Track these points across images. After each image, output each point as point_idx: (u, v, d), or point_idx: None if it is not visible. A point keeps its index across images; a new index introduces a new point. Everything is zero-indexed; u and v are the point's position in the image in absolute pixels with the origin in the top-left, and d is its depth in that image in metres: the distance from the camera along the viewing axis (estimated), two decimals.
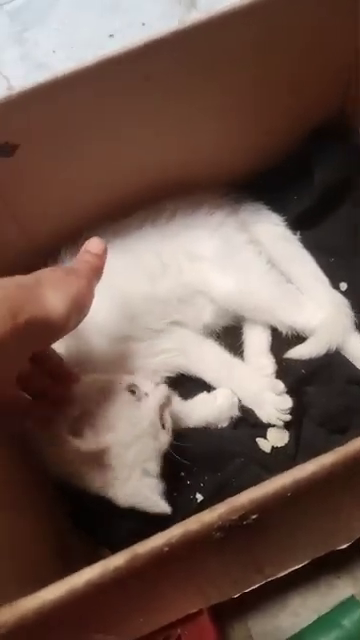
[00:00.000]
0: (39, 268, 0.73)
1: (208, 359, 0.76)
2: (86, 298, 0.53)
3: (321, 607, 0.70)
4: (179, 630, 0.57)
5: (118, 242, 0.75)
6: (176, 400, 0.76)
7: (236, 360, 0.76)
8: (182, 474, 0.72)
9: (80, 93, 0.60)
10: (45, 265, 0.75)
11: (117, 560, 0.38)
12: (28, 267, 0.73)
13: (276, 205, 0.82)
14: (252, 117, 0.75)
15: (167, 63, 0.61)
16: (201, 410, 0.73)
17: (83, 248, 0.58)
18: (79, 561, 0.66)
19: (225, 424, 0.74)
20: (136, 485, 0.60)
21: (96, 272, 0.57)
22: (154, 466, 0.61)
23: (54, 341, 0.53)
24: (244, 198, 0.82)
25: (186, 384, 0.77)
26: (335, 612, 0.68)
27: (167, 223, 0.77)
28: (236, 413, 0.73)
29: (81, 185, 0.71)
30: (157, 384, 0.65)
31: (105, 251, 0.58)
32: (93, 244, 0.58)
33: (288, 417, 0.71)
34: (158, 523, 0.66)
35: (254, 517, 0.39)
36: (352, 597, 0.69)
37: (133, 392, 0.64)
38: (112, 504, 0.62)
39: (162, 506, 0.59)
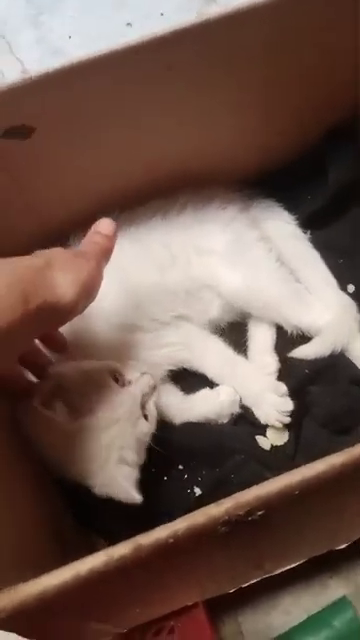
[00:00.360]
0: None
1: (211, 355, 0.76)
2: (95, 282, 0.52)
3: (313, 606, 0.70)
4: (173, 622, 0.57)
5: (129, 231, 0.75)
6: (177, 394, 0.76)
7: (239, 358, 0.76)
8: (180, 467, 0.73)
9: (99, 80, 0.59)
10: None
11: (122, 549, 0.37)
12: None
13: (288, 204, 0.82)
14: (266, 115, 0.74)
15: (189, 54, 0.60)
16: (202, 405, 0.73)
17: (93, 228, 0.57)
18: (76, 547, 0.66)
19: (225, 420, 0.73)
20: (111, 472, 0.58)
21: (105, 254, 0.55)
22: (132, 455, 0.60)
23: (61, 325, 0.53)
24: (257, 195, 0.82)
25: (188, 379, 0.77)
26: (326, 612, 0.69)
27: (178, 215, 0.77)
28: (237, 410, 0.73)
29: (95, 172, 0.70)
30: (143, 374, 0.64)
31: (115, 232, 0.57)
32: (103, 225, 0.57)
33: (287, 419, 0.71)
34: (152, 515, 0.68)
35: (260, 513, 0.39)
36: (344, 598, 0.69)
37: (117, 379, 0.63)
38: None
39: (134, 496, 0.57)
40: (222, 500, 0.38)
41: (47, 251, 0.51)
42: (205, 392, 0.74)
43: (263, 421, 0.71)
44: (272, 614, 0.71)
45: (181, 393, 0.75)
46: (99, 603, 0.45)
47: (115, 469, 0.58)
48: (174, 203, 0.77)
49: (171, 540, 0.38)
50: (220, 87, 0.66)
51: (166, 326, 0.75)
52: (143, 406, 0.62)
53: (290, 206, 0.82)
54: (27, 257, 0.49)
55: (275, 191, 0.82)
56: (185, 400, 0.74)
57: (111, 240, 0.56)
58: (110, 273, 0.72)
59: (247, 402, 0.73)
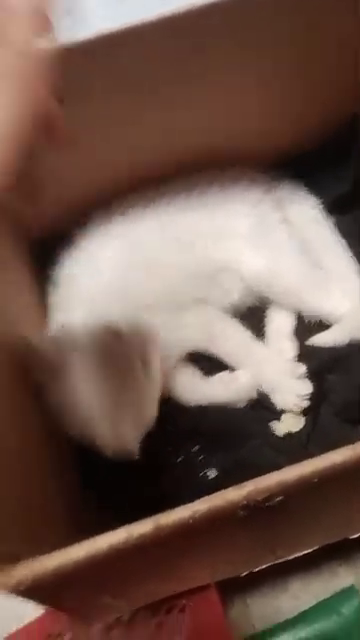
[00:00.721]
0: (70, 230, 0.74)
1: (229, 338, 0.76)
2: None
3: (322, 593, 0.71)
4: (184, 601, 0.57)
5: (150, 209, 0.74)
6: (195, 375, 0.75)
7: (258, 342, 0.75)
8: (195, 449, 0.73)
9: (126, 53, 0.58)
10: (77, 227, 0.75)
11: (142, 528, 0.38)
12: (61, 226, 0.73)
13: (313, 188, 0.81)
14: (296, 94, 0.73)
15: (220, 28, 0.58)
16: (220, 388, 0.73)
17: None
18: (89, 522, 0.67)
19: (242, 405, 0.73)
20: (110, 429, 0.59)
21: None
22: (132, 412, 0.60)
23: None
24: (282, 177, 0.81)
25: (206, 362, 0.76)
26: (334, 599, 0.69)
27: (202, 195, 0.75)
28: (254, 395, 0.73)
29: (117, 148, 0.69)
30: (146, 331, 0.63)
31: None
32: None
33: (306, 403, 0.71)
34: (165, 494, 0.69)
35: (279, 499, 0.39)
36: (352, 586, 0.69)
37: (118, 337, 0.62)
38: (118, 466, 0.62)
39: (131, 451, 0.58)
40: (243, 484, 0.38)
41: None
42: (223, 375, 0.73)
43: (280, 406, 0.71)
44: (281, 598, 0.72)
45: (199, 374, 0.75)
46: (115, 579, 0.45)
47: (114, 426, 0.59)
48: (197, 182, 0.76)
49: (191, 521, 0.38)
50: (251, 63, 0.64)
51: (184, 308, 0.74)
52: (145, 363, 0.62)
53: (315, 190, 0.81)
54: None
55: (301, 174, 0.81)
56: (203, 382, 0.74)
57: None
58: (129, 251, 0.73)
59: (264, 387, 0.72)
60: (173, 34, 0.57)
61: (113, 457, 0.59)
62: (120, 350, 0.61)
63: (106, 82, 0.61)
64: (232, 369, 0.74)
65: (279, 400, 0.72)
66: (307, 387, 0.71)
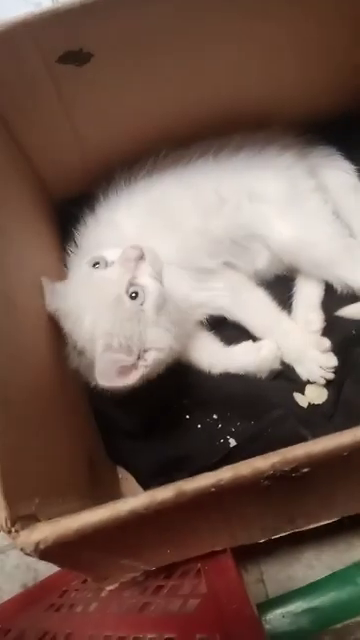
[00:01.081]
0: (94, 189, 0.72)
1: (255, 307, 0.74)
2: None
3: (336, 563, 0.71)
4: (200, 565, 0.57)
5: (177, 171, 0.72)
6: (217, 343, 0.74)
7: (284, 313, 0.73)
8: (214, 416, 0.72)
9: (159, 6, 0.55)
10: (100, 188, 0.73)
11: (164, 493, 0.37)
12: (84, 188, 0.71)
13: (350, 153, 0.77)
14: (333, 53, 0.69)
15: None
16: (243, 358, 0.72)
17: None
18: (108, 481, 0.68)
19: (264, 375, 0.72)
20: (99, 360, 0.57)
21: None
22: (120, 340, 0.58)
23: None
24: (317, 141, 0.77)
25: (229, 331, 0.75)
26: (350, 569, 0.69)
27: (231, 157, 0.73)
28: (277, 366, 0.72)
29: (148, 106, 0.67)
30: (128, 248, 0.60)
31: None
32: None
33: (331, 375, 0.70)
34: (182, 459, 0.69)
35: (305, 470, 0.38)
36: None
37: (97, 264, 0.61)
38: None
39: (116, 383, 0.56)
40: (269, 454, 0.38)
41: None
42: (247, 344, 0.72)
43: (305, 378, 0.70)
44: (295, 566, 0.72)
45: (221, 343, 0.74)
46: (134, 542, 0.45)
47: (101, 355, 0.57)
48: (227, 144, 0.73)
49: (213, 489, 0.37)
50: (286, 17, 0.61)
51: (211, 271, 0.72)
52: (133, 283, 0.59)
53: (352, 155, 0.77)
54: None
55: (337, 138, 0.77)
56: (225, 351, 0.73)
57: None
58: (152, 214, 0.70)
59: (289, 358, 0.71)
60: None
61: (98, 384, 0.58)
62: (95, 277, 0.60)
63: (136, 37, 0.58)
64: (255, 339, 0.73)
65: (303, 371, 0.70)
66: (332, 360, 0.70)
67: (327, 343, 0.70)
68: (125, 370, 0.58)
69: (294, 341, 0.71)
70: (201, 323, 0.74)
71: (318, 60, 0.69)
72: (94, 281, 0.60)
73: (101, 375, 0.56)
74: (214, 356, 0.73)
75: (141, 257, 0.60)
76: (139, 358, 0.59)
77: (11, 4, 1.05)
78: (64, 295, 0.62)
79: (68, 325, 0.61)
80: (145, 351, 0.59)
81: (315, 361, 0.70)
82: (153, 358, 0.59)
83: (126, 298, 0.59)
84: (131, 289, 0.59)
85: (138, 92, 0.65)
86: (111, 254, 0.61)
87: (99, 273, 0.61)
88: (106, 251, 0.62)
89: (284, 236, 0.71)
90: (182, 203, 0.71)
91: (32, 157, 0.70)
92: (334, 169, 0.77)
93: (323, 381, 0.70)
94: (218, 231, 0.71)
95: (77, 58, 0.56)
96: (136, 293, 0.59)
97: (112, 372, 0.56)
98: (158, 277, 0.61)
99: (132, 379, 0.58)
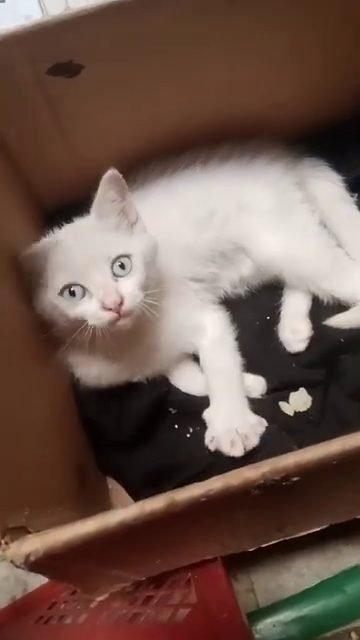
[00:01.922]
0: (88, 196, 0.72)
1: (216, 370, 0.72)
2: None
3: (325, 572, 0.71)
4: (189, 574, 0.57)
5: (165, 181, 0.73)
6: (195, 369, 0.74)
7: (240, 388, 0.70)
8: (197, 428, 0.72)
9: (150, 17, 0.56)
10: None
11: (154, 504, 0.37)
12: (77, 194, 0.71)
13: (338, 164, 0.78)
14: (327, 64, 0.70)
15: None
16: None
17: None
18: (97, 490, 0.67)
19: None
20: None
21: None
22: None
23: None
24: (305, 152, 0.78)
25: None
26: (339, 578, 0.69)
27: (220, 167, 0.73)
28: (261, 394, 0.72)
29: (139, 116, 0.68)
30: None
31: None
32: None
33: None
34: (172, 468, 0.69)
35: (295, 479, 0.39)
36: (357, 566, 0.70)
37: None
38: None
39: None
40: (259, 463, 0.38)
41: None
42: None
43: (215, 447, 0.65)
44: (284, 575, 0.72)
45: (199, 370, 0.74)
46: (124, 553, 0.45)
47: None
48: (216, 154, 0.74)
49: (203, 499, 0.37)
50: (282, 27, 0.62)
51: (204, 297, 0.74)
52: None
53: (339, 167, 0.78)
54: None
55: (325, 150, 0.78)
56: (200, 378, 0.73)
57: None
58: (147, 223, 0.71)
59: (214, 427, 0.67)
60: None
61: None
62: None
63: (121, 51, 0.59)
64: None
65: (223, 442, 0.64)
66: (255, 440, 0.64)
67: (264, 424, 0.67)
68: None
69: (229, 408, 0.68)
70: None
71: (313, 70, 0.70)
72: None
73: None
74: (191, 384, 0.73)
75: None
76: None
77: (1, 17, 1.06)
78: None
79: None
80: None
81: (237, 428, 0.65)
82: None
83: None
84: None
85: (129, 103, 0.65)
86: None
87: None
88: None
89: (270, 251, 0.72)
90: (171, 214, 0.72)
91: (23, 167, 0.70)
92: (322, 180, 0.78)
93: (229, 449, 0.64)
94: (208, 244, 0.72)
95: (67, 70, 0.56)
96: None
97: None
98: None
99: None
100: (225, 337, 0.73)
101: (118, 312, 0.58)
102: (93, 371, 0.67)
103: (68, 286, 0.59)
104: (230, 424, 0.65)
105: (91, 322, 0.58)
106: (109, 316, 0.58)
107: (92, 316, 0.58)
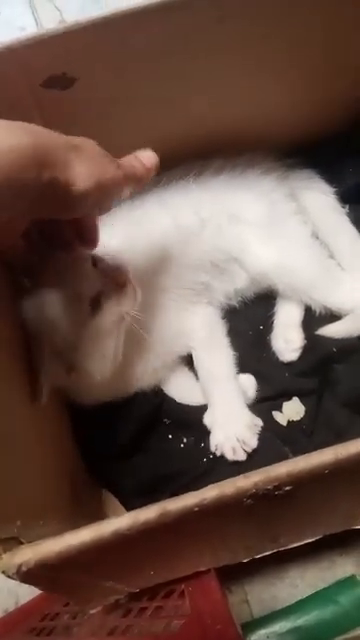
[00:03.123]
0: None
1: (209, 368, 0.73)
2: (114, 188, 0.48)
3: (319, 582, 0.71)
4: (183, 585, 0.57)
5: (157, 192, 0.73)
6: (189, 378, 0.75)
7: (235, 381, 0.72)
8: (197, 436, 0.72)
9: (142, 32, 0.56)
10: None
11: (148, 514, 0.37)
12: None
13: (329, 176, 0.79)
14: (316, 79, 0.71)
15: (240, 6, 0.57)
16: None
17: (134, 154, 0.54)
18: (89, 501, 0.67)
19: None
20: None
21: (137, 180, 0.52)
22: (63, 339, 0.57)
23: (62, 214, 0.48)
24: (297, 164, 0.79)
25: None
26: (333, 588, 0.69)
27: (212, 179, 0.74)
28: (249, 401, 0.72)
29: (133, 129, 0.67)
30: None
31: (156, 167, 0.54)
32: (146, 155, 0.54)
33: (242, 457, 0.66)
34: (165, 477, 0.69)
35: (287, 489, 0.39)
36: (353, 576, 0.70)
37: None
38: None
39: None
40: (251, 472, 0.38)
41: (81, 138, 0.48)
42: None
43: (214, 445, 0.68)
44: (278, 586, 0.72)
45: (194, 378, 0.74)
46: (118, 563, 0.45)
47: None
48: (209, 166, 0.74)
49: (197, 509, 0.38)
50: (271, 45, 0.62)
51: (197, 295, 0.74)
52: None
53: (330, 178, 0.79)
54: (56, 133, 0.45)
55: (316, 162, 0.79)
56: (196, 385, 0.73)
57: (148, 172, 0.53)
58: (133, 238, 0.71)
59: (211, 422, 0.69)
60: (189, 12, 0.55)
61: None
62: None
63: (115, 64, 0.59)
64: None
65: (219, 437, 0.68)
66: (253, 441, 0.67)
67: (259, 423, 0.69)
68: None
69: (228, 412, 0.69)
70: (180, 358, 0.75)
71: (307, 84, 0.71)
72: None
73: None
74: (185, 393, 0.74)
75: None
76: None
77: None
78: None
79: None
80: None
81: (235, 434, 0.67)
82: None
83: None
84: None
85: (122, 116, 0.66)
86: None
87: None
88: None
89: (263, 261, 0.72)
90: (163, 227, 0.72)
91: None
92: (313, 191, 0.78)
93: (232, 456, 0.67)
94: (199, 255, 0.72)
95: (60, 82, 0.57)
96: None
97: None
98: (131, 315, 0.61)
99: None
100: (214, 335, 0.74)
101: None
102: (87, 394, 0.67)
103: None
104: (228, 430, 0.67)
105: None
106: None
107: None
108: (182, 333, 0.73)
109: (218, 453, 0.67)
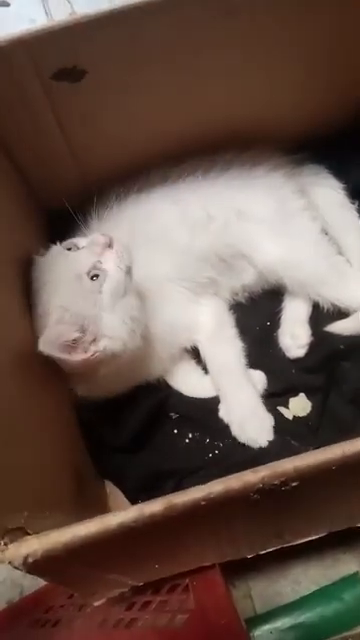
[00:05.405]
0: (88, 202, 0.72)
1: (221, 363, 0.73)
2: None
3: (322, 579, 0.71)
4: (188, 580, 0.57)
5: (165, 187, 0.73)
6: (196, 372, 0.75)
7: (246, 374, 0.72)
8: (202, 431, 0.72)
9: (152, 24, 0.56)
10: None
11: (153, 507, 0.37)
12: (78, 201, 0.72)
13: (339, 171, 0.79)
14: (328, 74, 0.70)
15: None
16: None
17: None
18: (94, 495, 0.67)
19: None
20: (49, 328, 0.59)
21: None
22: (72, 316, 0.59)
23: None
24: (306, 160, 0.79)
25: None
26: (337, 585, 0.69)
27: (221, 175, 0.74)
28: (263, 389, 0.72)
29: (142, 123, 0.68)
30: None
31: None
32: None
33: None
34: (170, 471, 0.69)
35: (294, 484, 0.39)
36: (356, 573, 0.69)
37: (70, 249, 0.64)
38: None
39: (57, 356, 0.57)
40: (259, 467, 0.38)
41: None
42: None
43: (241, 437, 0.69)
44: (282, 582, 0.72)
45: (201, 372, 0.75)
46: (123, 556, 0.45)
47: (52, 325, 0.58)
48: (217, 162, 0.74)
49: (203, 502, 0.38)
50: (282, 38, 0.62)
51: (203, 288, 0.73)
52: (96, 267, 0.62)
53: (340, 174, 0.79)
54: None
55: (326, 157, 0.79)
56: (203, 381, 0.73)
57: None
58: (140, 230, 0.71)
59: (229, 418, 0.70)
60: (199, 3, 0.55)
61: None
62: (61, 258, 0.63)
63: (124, 57, 0.59)
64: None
65: (240, 433, 0.69)
66: (269, 434, 0.68)
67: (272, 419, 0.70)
68: (71, 347, 0.58)
69: (242, 403, 0.70)
70: (186, 350, 0.74)
71: (315, 80, 0.71)
72: (60, 259, 0.63)
73: (45, 342, 0.56)
74: (193, 387, 0.74)
75: (109, 245, 0.62)
76: (93, 342, 0.60)
77: (6, 21, 1.07)
78: (38, 268, 0.64)
79: (31, 298, 0.62)
80: (97, 338, 0.60)
81: (255, 428, 0.68)
82: (105, 345, 0.60)
83: (86, 277, 0.61)
84: (93, 271, 0.61)
85: (130, 109, 0.66)
86: (83, 242, 0.64)
87: (67, 253, 0.64)
88: (80, 240, 0.65)
89: (271, 257, 0.72)
90: (169, 219, 0.72)
91: (26, 171, 0.71)
92: (323, 187, 0.78)
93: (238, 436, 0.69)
94: (205, 248, 0.72)
95: (71, 75, 0.56)
96: (97, 276, 0.61)
97: (57, 343, 0.57)
98: (123, 268, 0.62)
99: (75, 357, 0.58)
100: (222, 327, 0.74)
101: None
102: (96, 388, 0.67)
103: None
104: (246, 423, 0.69)
105: None
106: None
107: None
108: (188, 324, 0.73)
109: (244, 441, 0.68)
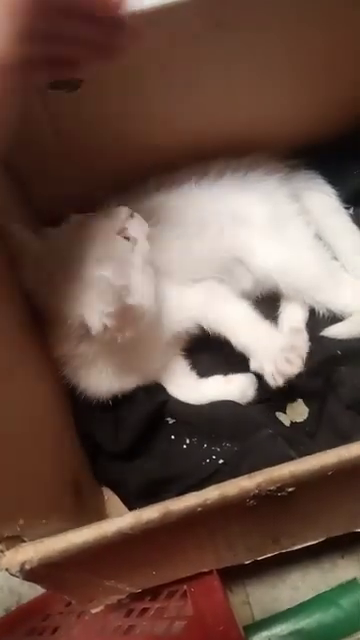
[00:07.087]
0: (85, 210, 0.73)
1: (234, 318, 0.71)
2: None
3: (321, 585, 0.71)
4: (186, 586, 0.57)
5: (162, 194, 0.73)
6: (190, 377, 0.75)
7: (261, 320, 0.71)
8: (200, 437, 0.72)
9: (150, 31, 0.56)
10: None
11: (150, 513, 0.37)
12: (79, 208, 0.72)
13: (333, 177, 0.79)
14: (320, 82, 0.71)
15: (239, 10, 0.56)
16: (212, 393, 0.72)
17: None
18: (92, 501, 0.67)
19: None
20: (97, 282, 0.59)
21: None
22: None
23: None
24: (300, 166, 0.79)
25: (204, 362, 0.75)
26: (335, 591, 0.69)
27: (215, 181, 0.74)
28: (249, 399, 0.72)
29: (137, 132, 0.68)
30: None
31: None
32: None
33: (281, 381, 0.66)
34: (168, 478, 0.69)
35: (290, 490, 0.39)
36: (355, 579, 0.69)
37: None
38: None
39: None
40: (254, 473, 0.38)
41: None
42: (216, 379, 0.73)
43: (272, 383, 0.67)
44: (280, 588, 0.72)
45: (195, 376, 0.75)
46: (119, 562, 0.45)
47: (98, 278, 0.58)
48: (211, 169, 0.74)
49: (200, 509, 0.38)
50: (273, 48, 0.62)
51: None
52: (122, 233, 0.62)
53: (334, 180, 0.79)
54: None
55: (320, 164, 0.79)
56: (196, 385, 0.73)
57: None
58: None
59: (258, 358, 0.68)
60: (188, 16, 0.55)
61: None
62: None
63: (119, 65, 0.59)
64: (226, 372, 0.73)
65: (265, 367, 0.67)
66: (299, 366, 0.66)
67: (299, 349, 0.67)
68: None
69: (268, 344, 0.69)
70: (178, 347, 0.74)
71: (311, 86, 0.71)
72: (90, 222, 0.63)
73: (100, 296, 0.57)
74: (186, 392, 0.73)
75: (131, 215, 0.64)
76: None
77: None
78: (55, 236, 0.63)
79: (53, 265, 0.61)
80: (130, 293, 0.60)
81: (280, 360, 0.66)
82: (136, 301, 0.60)
83: (118, 237, 0.62)
84: (123, 233, 0.62)
85: (125, 119, 0.66)
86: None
87: (94, 216, 0.64)
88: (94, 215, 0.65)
89: (266, 263, 0.72)
90: (164, 224, 0.72)
91: (25, 181, 0.71)
92: (317, 192, 0.78)
93: (276, 382, 0.67)
94: (201, 253, 0.72)
95: (67, 85, 0.57)
96: (127, 238, 0.62)
97: (110, 294, 0.57)
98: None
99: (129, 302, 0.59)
100: (220, 298, 0.72)
101: None
102: (101, 382, 0.67)
103: None
104: (278, 362, 0.66)
105: None
106: None
107: None
108: (186, 304, 0.72)
109: (280, 382, 0.66)
